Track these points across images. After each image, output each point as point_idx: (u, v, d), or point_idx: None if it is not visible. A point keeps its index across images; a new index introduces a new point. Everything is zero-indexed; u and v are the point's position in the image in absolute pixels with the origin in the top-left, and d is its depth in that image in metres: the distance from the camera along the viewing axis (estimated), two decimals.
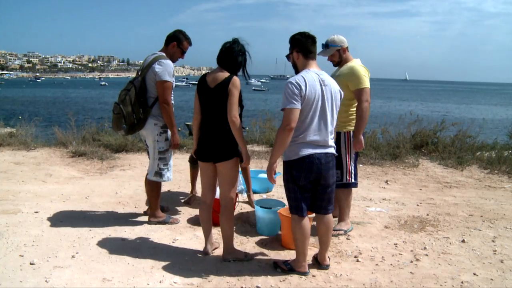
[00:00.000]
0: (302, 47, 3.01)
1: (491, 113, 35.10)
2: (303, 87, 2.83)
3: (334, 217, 4.04)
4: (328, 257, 3.24)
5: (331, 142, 3.01)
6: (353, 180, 3.84)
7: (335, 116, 3.03)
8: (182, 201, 4.77)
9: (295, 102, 2.81)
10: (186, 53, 3.96)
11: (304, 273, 3.07)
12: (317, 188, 3.03)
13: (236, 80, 3.09)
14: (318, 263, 3.20)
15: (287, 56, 3.22)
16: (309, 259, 3.20)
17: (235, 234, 3.75)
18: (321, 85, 2.92)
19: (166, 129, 3.83)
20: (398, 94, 77.58)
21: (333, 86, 2.99)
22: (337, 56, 3.86)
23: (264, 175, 5.15)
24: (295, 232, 3.04)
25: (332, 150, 3.02)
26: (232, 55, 3.13)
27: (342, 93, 3.11)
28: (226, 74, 3.10)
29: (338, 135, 3.59)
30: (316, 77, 2.93)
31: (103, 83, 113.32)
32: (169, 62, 3.74)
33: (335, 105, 3.00)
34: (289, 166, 3.00)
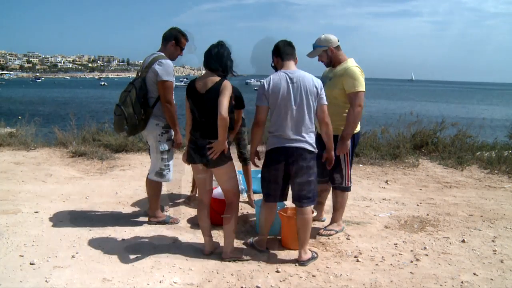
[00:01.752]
0: (278, 52, 3.30)
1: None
2: (266, 86, 3.15)
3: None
4: (313, 252, 3.37)
5: (305, 137, 3.17)
6: (350, 184, 3.85)
7: (308, 111, 3.16)
8: (182, 201, 4.77)
9: (260, 100, 3.18)
10: (184, 49, 3.96)
11: (262, 251, 3.41)
12: (292, 180, 3.26)
13: (227, 83, 3.09)
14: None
15: (273, 66, 3.39)
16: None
17: (236, 233, 3.78)
18: (288, 83, 3.14)
19: (168, 129, 3.82)
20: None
21: (306, 83, 3.15)
22: (325, 57, 3.76)
23: None
24: (260, 213, 3.47)
25: (304, 145, 3.17)
26: (222, 60, 3.13)
27: (319, 84, 3.21)
28: (216, 79, 3.09)
29: (335, 138, 3.53)
30: (284, 75, 3.17)
31: (103, 83, 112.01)
32: (168, 61, 3.74)
33: (309, 100, 3.15)
34: (265, 155, 3.32)
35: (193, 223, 4.05)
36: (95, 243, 3.50)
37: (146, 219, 4.08)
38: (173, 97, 3.77)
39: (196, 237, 3.72)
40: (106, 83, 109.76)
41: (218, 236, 3.70)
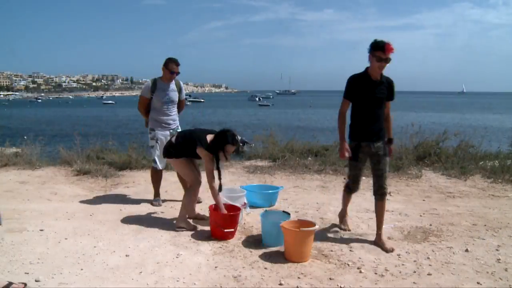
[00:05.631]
0: None
1: None
2: None
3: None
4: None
5: None
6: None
7: None
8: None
9: None
10: (175, 72, 5.02)
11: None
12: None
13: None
14: None
15: None
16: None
17: (239, 247, 3.86)
18: None
19: (151, 131, 5.18)
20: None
21: None
22: None
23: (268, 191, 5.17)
24: None
25: None
26: None
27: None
28: None
29: None
30: None
31: (109, 101, 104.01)
32: (148, 82, 5.11)
33: None
34: None
35: (197, 238, 4.06)
36: (99, 260, 3.52)
37: (150, 235, 4.10)
38: (166, 108, 5.11)
39: (199, 252, 3.74)
40: (113, 102, 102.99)
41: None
